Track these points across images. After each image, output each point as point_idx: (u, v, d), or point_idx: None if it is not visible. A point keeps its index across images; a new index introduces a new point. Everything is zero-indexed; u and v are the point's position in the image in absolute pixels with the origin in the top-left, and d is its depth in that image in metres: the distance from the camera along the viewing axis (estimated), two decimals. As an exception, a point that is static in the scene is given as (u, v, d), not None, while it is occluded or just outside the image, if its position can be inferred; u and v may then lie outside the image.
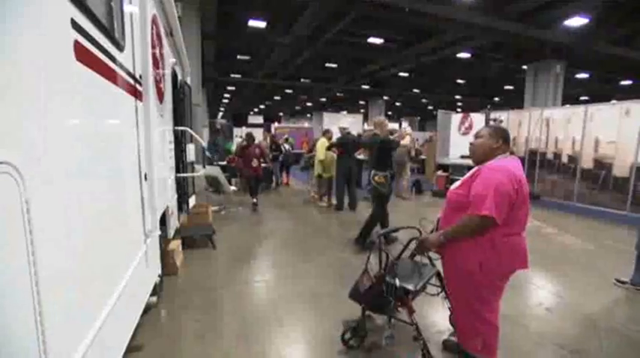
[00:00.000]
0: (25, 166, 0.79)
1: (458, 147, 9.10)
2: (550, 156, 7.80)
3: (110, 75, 1.45)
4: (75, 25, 1.08)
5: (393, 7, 8.95)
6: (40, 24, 0.93)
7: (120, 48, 1.60)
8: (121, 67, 1.62)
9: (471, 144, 1.95)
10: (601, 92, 19.87)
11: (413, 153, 9.54)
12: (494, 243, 1.68)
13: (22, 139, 0.83)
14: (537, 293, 3.20)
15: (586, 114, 7.01)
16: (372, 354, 2.23)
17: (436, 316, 2.67)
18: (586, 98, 21.49)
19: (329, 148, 6.42)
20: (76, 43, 1.10)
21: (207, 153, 8.87)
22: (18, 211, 0.78)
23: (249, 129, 11.17)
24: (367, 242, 4.22)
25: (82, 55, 1.14)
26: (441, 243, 1.82)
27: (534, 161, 8.06)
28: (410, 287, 2.03)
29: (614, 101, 6.81)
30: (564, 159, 7.50)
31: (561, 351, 2.27)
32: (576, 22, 9.40)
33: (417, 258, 2.33)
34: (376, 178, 4.16)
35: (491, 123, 8.67)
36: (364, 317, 2.29)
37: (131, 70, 1.80)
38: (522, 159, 8.28)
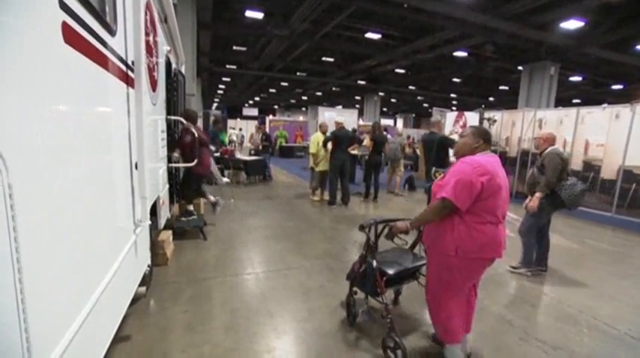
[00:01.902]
0: (8, 153, 0.77)
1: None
2: (541, 156, 7.92)
3: (101, 60, 1.41)
4: (63, 6, 1.04)
5: (392, 2, 8.91)
6: (26, 3, 0.90)
7: (111, 32, 1.56)
8: (113, 52, 1.57)
9: (454, 142, 2.05)
10: (593, 95, 20.19)
11: (407, 150, 9.61)
12: (468, 230, 1.86)
13: (5, 125, 0.80)
14: (522, 290, 3.27)
15: (578, 117, 7.12)
16: (359, 343, 2.26)
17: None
18: (578, 101, 21.81)
19: (324, 144, 6.40)
20: (65, 25, 1.06)
21: (212, 147, 8.78)
22: (0, 197, 0.76)
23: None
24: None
25: (70, 37, 1.10)
26: (407, 229, 2.06)
27: (526, 161, 8.17)
28: (389, 270, 2.22)
29: (605, 105, 6.93)
30: (555, 161, 7.62)
31: (544, 347, 2.33)
32: (572, 24, 9.48)
33: (416, 249, 2.53)
34: (437, 174, 4.39)
35: (485, 122, 8.74)
36: (351, 294, 2.47)
37: (123, 56, 1.76)
38: (514, 159, 8.40)
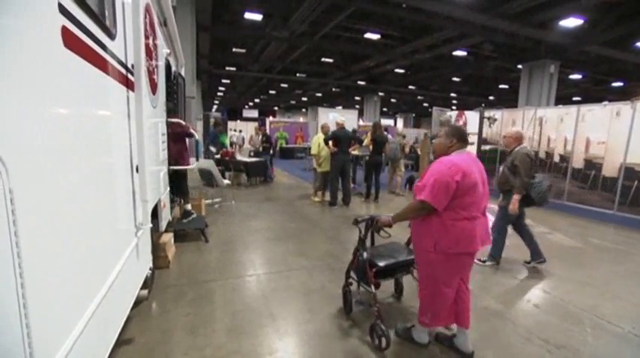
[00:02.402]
0: (9, 156, 0.77)
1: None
2: (542, 155, 7.90)
3: (101, 63, 1.42)
4: (63, 10, 1.05)
5: (391, 2, 8.91)
6: (25, 8, 0.90)
7: (111, 36, 1.56)
8: (112, 55, 1.58)
9: (432, 142, 2.09)
10: (593, 93, 20.15)
11: (407, 150, 9.59)
12: (445, 227, 1.96)
13: (6, 129, 0.80)
14: (525, 290, 3.26)
15: (578, 115, 7.11)
16: (363, 345, 2.25)
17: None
18: (579, 99, 21.78)
19: (325, 143, 6.40)
20: (64, 29, 1.06)
21: (212, 148, 8.82)
22: (1, 201, 0.76)
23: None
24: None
25: (70, 41, 1.10)
26: (389, 223, 2.25)
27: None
28: (379, 263, 2.37)
29: (605, 102, 6.90)
30: (556, 159, 7.60)
31: (547, 346, 2.32)
32: (571, 22, 9.47)
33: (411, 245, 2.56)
34: None
35: (486, 121, 8.74)
36: (347, 284, 2.64)
37: (123, 59, 1.76)
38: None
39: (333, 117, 12.94)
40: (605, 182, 6.60)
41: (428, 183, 1.94)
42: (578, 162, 7.13)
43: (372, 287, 2.30)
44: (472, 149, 5.79)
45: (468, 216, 1.95)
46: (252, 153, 10.14)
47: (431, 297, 2.13)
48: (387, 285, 2.90)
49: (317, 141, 6.64)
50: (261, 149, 9.60)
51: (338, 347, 2.27)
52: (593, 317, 2.73)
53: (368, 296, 2.46)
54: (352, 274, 2.57)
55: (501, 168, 3.67)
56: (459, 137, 2.09)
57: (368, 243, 2.55)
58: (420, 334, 2.26)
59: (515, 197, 3.40)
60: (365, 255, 2.38)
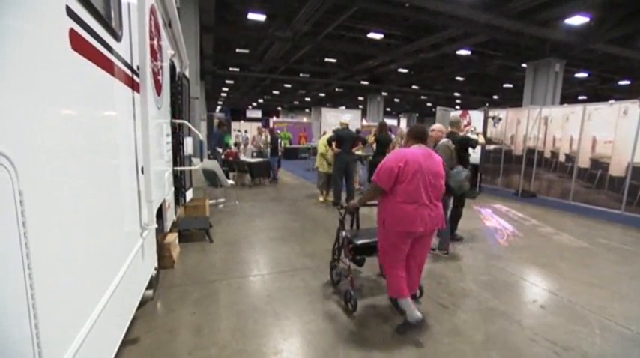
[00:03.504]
0: (18, 158, 0.78)
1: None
2: (547, 154, 7.84)
3: (107, 65, 1.43)
4: (70, 13, 1.06)
5: (394, 2, 8.88)
6: (34, 11, 0.91)
7: (117, 38, 1.57)
8: (118, 57, 1.59)
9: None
10: (599, 92, 19.94)
11: None
12: (392, 207, 2.37)
13: (15, 130, 0.81)
14: (532, 290, 3.23)
15: (584, 114, 7.04)
16: (367, 345, 2.25)
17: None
18: (584, 97, 21.56)
19: (329, 144, 6.41)
20: (72, 32, 1.07)
21: (219, 149, 8.86)
22: (11, 203, 0.76)
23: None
24: (456, 235, 4.52)
25: (77, 43, 1.11)
26: (357, 205, 2.86)
27: (532, 159, 8.08)
28: (356, 241, 2.83)
29: (612, 101, 6.82)
30: (561, 158, 7.53)
31: (554, 347, 2.30)
32: (576, 20, 9.37)
33: None
34: None
35: (490, 120, 8.66)
36: (334, 260, 3.12)
37: (128, 61, 1.77)
38: (520, 157, 8.32)
39: (345, 118, 12.97)
40: (612, 181, 6.53)
41: (379, 168, 2.40)
42: (584, 162, 7.06)
43: (348, 260, 2.82)
44: (477, 148, 5.77)
45: (411, 201, 2.31)
46: (254, 154, 10.15)
47: (388, 273, 2.54)
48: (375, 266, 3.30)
49: (324, 141, 6.76)
50: (268, 151, 9.61)
51: (343, 346, 2.27)
52: (600, 318, 2.70)
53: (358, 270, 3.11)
54: (336, 251, 3.05)
55: None
56: (413, 135, 2.57)
57: (354, 226, 3.20)
58: (406, 304, 2.46)
59: None
60: (344, 233, 2.89)
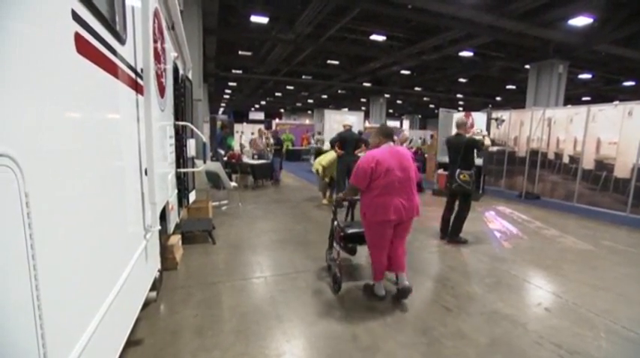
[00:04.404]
0: (24, 159, 0.78)
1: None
2: (551, 156, 7.79)
3: (111, 68, 1.44)
4: (76, 17, 1.07)
5: (396, 4, 8.89)
6: (40, 15, 0.92)
7: (121, 41, 1.58)
8: (123, 60, 1.60)
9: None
10: (604, 93, 19.81)
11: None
12: (369, 202, 2.76)
13: (21, 133, 0.82)
14: (536, 293, 3.20)
15: (588, 115, 6.99)
16: (370, 347, 2.24)
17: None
18: (588, 98, 21.42)
19: (332, 146, 6.41)
20: (77, 35, 1.08)
21: (221, 151, 8.90)
22: (17, 205, 0.77)
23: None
24: (461, 238, 4.50)
25: (82, 47, 1.12)
26: (341, 199, 3.23)
27: (535, 161, 8.04)
28: (346, 230, 3.16)
29: (616, 102, 6.77)
30: (565, 160, 7.48)
31: (560, 351, 2.28)
32: (580, 21, 9.33)
33: None
34: (462, 176, 4.33)
35: (493, 122, 8.64)
36: (329, 247, 3.48)
37: (132, 64, 1.78)
38: (524, 159, 8.28)
39: (348, 120, 12.97)
40: (617, 183, 6.47)
41: (355, 170, 2.80)
42: (588, 163, 7.00)
43: (338, 247, 3.19)
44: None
45: (384, 194, 2.68)
46: (255, 156, 10.14)
47: (373, 257, 2.92)
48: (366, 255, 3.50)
49: (320, 162, 6.72)
50: (272, 152, 9.60)
51: (345, 349, 2.26)
52: (606, 322, 2.67)
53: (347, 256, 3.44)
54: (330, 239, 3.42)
55: None
56: (384, 135, 2.90)
57: (349, 218, 3.70)
58: (379, 288, 2.95)
59: None
60: (335, 223, 3.31)
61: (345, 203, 3.49)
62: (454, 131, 5.05)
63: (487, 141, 4.58)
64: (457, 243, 4.43)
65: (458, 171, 4.36)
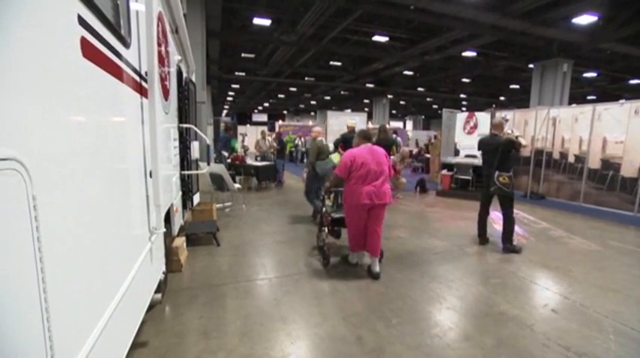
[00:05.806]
0: (31, 163, 0.79)
1: (463, 146, 9.02)
2: (556, 155, 7.72)
3: (116, 72, 1.45)
4: (82, 22, 1.08)
5: (398, 4, 8.89)
6: (46, 20, 0.93)
7: (126, 45, 1.60)
8: (127, 63, 1.61)
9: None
10: (609, 91, 19.62)
11: (406, 162, 9.39)
12: (349, 189, 3.36)
13: (28, 136, 0.83)
14: (543, 294, 3.17)
15: (594, 114, 6.92)
16: (374, 348, 2.23)
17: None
18: (593, 97, 21.22)
19: (335, 147, 6.40)
20: (83, 40, 1.09)
21: (225, 153, 8.94)
22: (25, 208, 0.78)
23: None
24: (515, 246, 4.24)
25: (88, 51, 1.13)
26: (328, 188, 3.90)
27: (540, 160, 7.97)
28: (333, 215, 3.87)
29: (622, 100, 6.69)
30: (571, 159, 7.41)
31: (567, 353, 2.25)
32: (584, 19, 9.25)
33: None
34: (501, 179, 4.13)
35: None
36: (320, 230, 4.01)
37: (137, 67, 1.80)
38: (528, 159, 8.20)
39: (351, 121, 12.91)
40: (624, 182, 6.39)
41: (338, 164, 3.47)
42: (594, 163, 6.93)
43: (326, 229, 3.89)
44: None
45: (360, 183, 3.27)
46: (258, 158, 10.15)
47: (351, 235, 3.55)
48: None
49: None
50: (275, 154, 9.64)
51: (350, 350, 2.25)
52: (615, 323, 2.63)
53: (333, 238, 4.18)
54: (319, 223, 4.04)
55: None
56: (363, 137, 3.55)
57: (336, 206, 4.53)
58: (352, 257, 3.71)
59: (305, 169, 5.43)
60: (323, 209, 3.97)
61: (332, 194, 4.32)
62: (486, 132, 4.81)
63: (523, 142, 4.28)
64: (513, 253, 4.17)
65: (497, 173, 4.15)
